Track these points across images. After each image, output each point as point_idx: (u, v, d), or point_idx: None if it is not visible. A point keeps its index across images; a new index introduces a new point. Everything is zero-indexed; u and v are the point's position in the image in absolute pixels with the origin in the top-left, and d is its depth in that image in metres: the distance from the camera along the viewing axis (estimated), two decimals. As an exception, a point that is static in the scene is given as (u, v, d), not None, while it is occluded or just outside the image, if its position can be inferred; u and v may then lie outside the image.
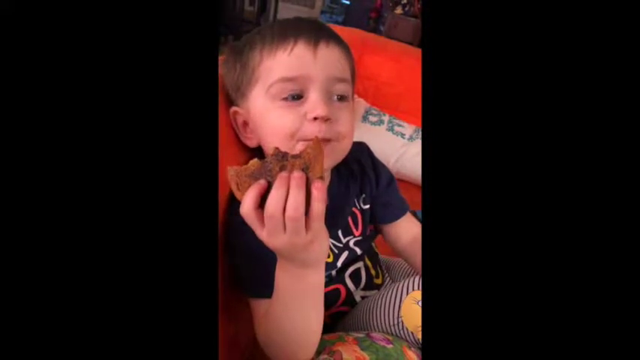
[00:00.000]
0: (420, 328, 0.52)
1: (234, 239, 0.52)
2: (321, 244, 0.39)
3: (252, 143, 0.56)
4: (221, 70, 0.59)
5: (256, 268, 0.49)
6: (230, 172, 0.37)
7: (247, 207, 0.36)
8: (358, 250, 0.62)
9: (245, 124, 0.56)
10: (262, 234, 0.37)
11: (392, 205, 0.68)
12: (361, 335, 0.52)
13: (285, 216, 0.35)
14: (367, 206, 0.65)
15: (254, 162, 0.37)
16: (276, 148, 0.38)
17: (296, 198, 0.35)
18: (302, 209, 0.35)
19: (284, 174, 0.36)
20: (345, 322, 0.63)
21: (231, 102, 0.58)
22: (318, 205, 0.36)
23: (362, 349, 0.48)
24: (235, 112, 0.56)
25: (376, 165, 0.68)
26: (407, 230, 0.68)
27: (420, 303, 0.53)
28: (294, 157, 0.37)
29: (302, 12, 3.96)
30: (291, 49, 0.50)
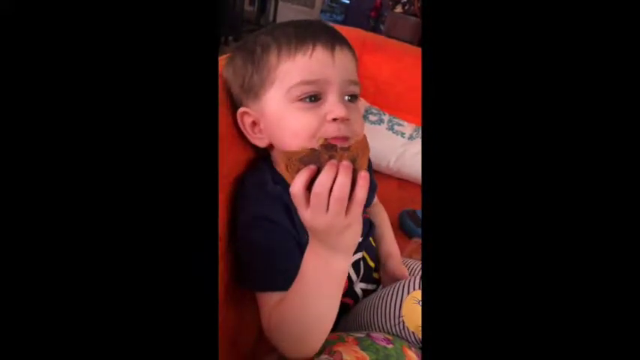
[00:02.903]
0: (421, 328, 0.52)
1: (244, 235, 0.53)
2: (355, 230, 0.42)
3: (262, 143, 0.56)
4: (224, 70, 0.59)
5: (269, 261, 0.51)
6: (281, 154, 0.41)
7: (298, 186, 0.40)
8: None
9: (254, 124, 0.56)
10: (305, 213, 0.40)
11: (372, 188, 0.72)
12: (361, 335, 0.52)
13: (330, 197, 0.38)
14: None
15: (304, 149, 0.41)
16: (325, 139, 0.42)
17: (343, 181, 0.38)
18: (347, 192, 0.38)
19: (334, 161, 0.39)
20: (346, 322, 0.64)
21: (234, 102, 0.58)
22: (361, 192, 0.39)
23: (362, 349, 0.48)
24: (244, 113, 0.56)
25: None
26: (378, 212, 0.78)
27: (421, 303, 0.53)
28: (343, 149, 0.41)
29: (302, 12, 3.96)
30: (311, 53, 0.51)
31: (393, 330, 0.55)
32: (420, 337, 0.53)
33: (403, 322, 0.54)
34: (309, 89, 0.50)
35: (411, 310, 0.54)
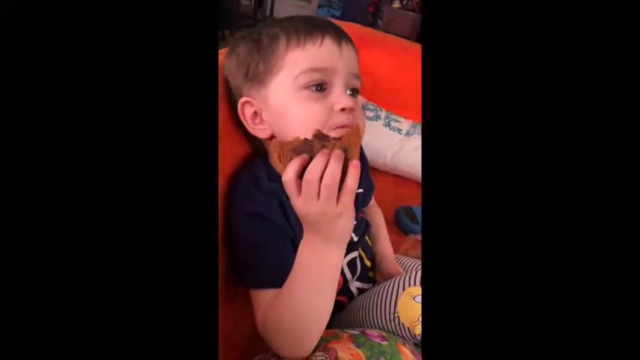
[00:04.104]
0: (417, 323, 0.53)
1: (238, 233, 0.52)
2: (347, 219, 0.43)
3: (262, 134, 0.55)
4: (225, 62, 0.58)
5: (263, 258, 0.51)
6: (274, 144, 0.42)
7: (290, 175, 0.40)
8: (354, 236, 0.64)
9: (255, 114, 0.55)
10: (297, 201, 0.41)
11: (369, 188, 0.75)
12: (356, 332, 0.52)
13: (321, 183, 0.39)
14: (360, 190, 0.67)
15: (297, 139, 0.42)
16: (318, 130, 0.43)
17: (333, 168, 0.39)
18: (337, 178, 0.39)
19: (325, 150, 0.40)
20: (341, 319, 0.64)
21: (232, 98, 0.57)
22: (352, 181, 0.40)
23: (357, 346, 0.48)
24: (246, 103, 0.55)
25: (362, 151, 0.74)
26: (374, 213, 0.79)
27: (417, 299, 0.53)
28: (335, 139, 0.42)
29: (300, 6, 3.94)
30: (321, 43, 0.51)
31: (389, 326, 0.55)
32: (416, 332, 0.53)
33: (398, 318, 0.54)
34: (316, 77, 0.50)
35: (407, 306, 0.54)
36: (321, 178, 0.39)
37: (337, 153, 0.40)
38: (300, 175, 0.40)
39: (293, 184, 0.40)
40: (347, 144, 0.41)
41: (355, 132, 0.42)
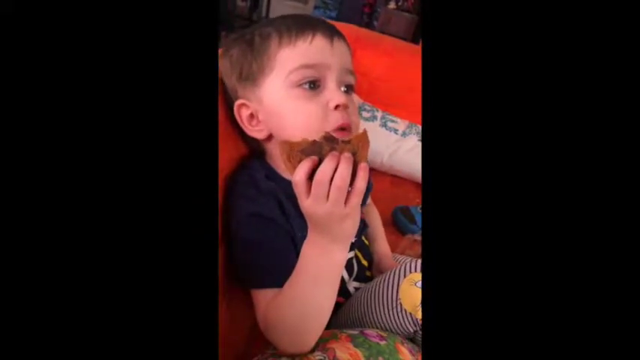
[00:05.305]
0: (418, 308, 0.53)
1: (238, 233, 0.52)
2: (354, 221, 0.43)
3: (260, 135, 0.56)
4: (219, 64, 0.58)
5: (264, 258, 0.51)
6: (282, 145, 0.42)
7: (300, 175, 0.41)
8: None
9: (252, 116, 0.55)
10: (306, 202, 0.41)
11: (367, 189, 0.73)
12: (355, 332, 0.52)
13: (331, 185, 0.39)
14: None
15: (305, 140, 0.42)
16: (327, 132, 0.43)
17: (344, 171, 0.39)
18: (347, 181, 0.40)
19: (335, 152, 0.41)
20: (340, 315, 0.64)
21: (228, 98, 0.57)
22: (362, 183, 0.40)
23: (355, 346, 0.48)
24: (242, 105, 0.55)
25: None
26: (371, 213, 0.80)
27: (418, 284, 0.54)
28: (344, 142, 0.42)
29: (295, 7, 3.93)
30: (311, 40, 0.52)
31: (390, 314, 0.56)
32: (417, 317, 0.54)
33: (401, 305, 0.55)
34: (309, 73, 0.50)
35: (409, 292, 0.54)
36: (331, 180, 0.40)
37: (346, 156, 0.40)
38: (309, 176, 0.41)
39: (303, 185, 0.41)
40: (356, 147, 0.42)
41: (364, 135, 0.43)
